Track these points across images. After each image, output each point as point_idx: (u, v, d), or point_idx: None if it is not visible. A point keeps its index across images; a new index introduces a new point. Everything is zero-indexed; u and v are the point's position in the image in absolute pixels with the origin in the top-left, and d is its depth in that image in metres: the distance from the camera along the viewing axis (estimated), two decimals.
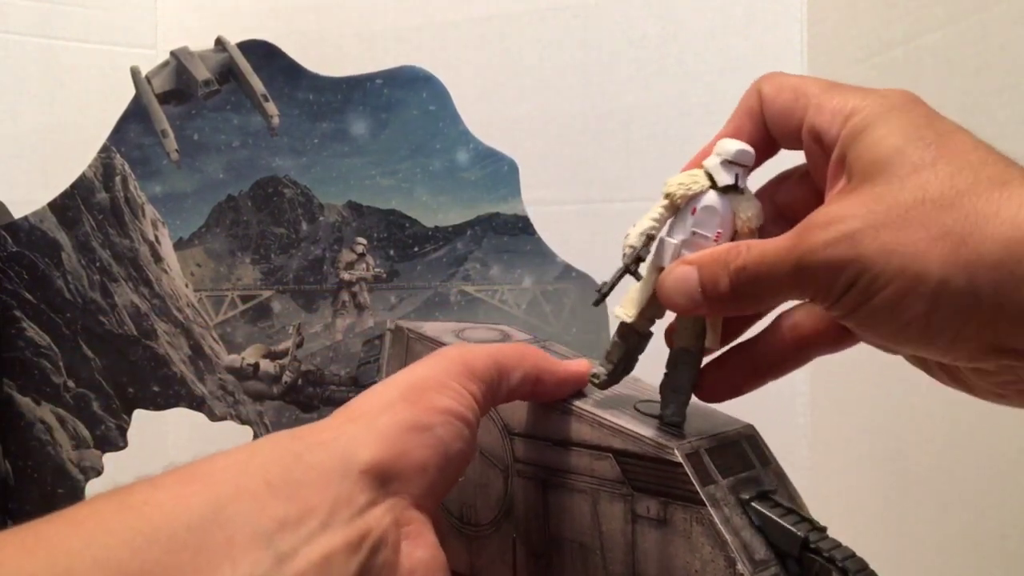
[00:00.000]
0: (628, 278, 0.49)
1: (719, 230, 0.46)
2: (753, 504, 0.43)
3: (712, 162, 0.46)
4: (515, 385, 0.47)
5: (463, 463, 0.43)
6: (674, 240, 0.46)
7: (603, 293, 0.50)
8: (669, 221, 0.47)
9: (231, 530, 0.33)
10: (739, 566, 0.40)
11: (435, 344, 0.61)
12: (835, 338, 0.44)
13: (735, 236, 0.46)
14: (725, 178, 0.46)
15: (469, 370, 0.44)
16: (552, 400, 0.49)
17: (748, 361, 0.47)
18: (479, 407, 0.44)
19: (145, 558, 0.31)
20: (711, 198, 0.45)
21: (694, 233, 0.46)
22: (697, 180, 0.46)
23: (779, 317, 0.47)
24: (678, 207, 0.46)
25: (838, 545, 0.41)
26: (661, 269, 0.46)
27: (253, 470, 0.36)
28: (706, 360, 0.48)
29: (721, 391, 0.47)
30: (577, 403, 0.49)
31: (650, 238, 0.47)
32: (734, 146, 0.45)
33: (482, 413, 0.44)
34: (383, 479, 0.38)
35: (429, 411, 0.41)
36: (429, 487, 0.40)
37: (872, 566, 0.41)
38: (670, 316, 0.49)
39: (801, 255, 0.38)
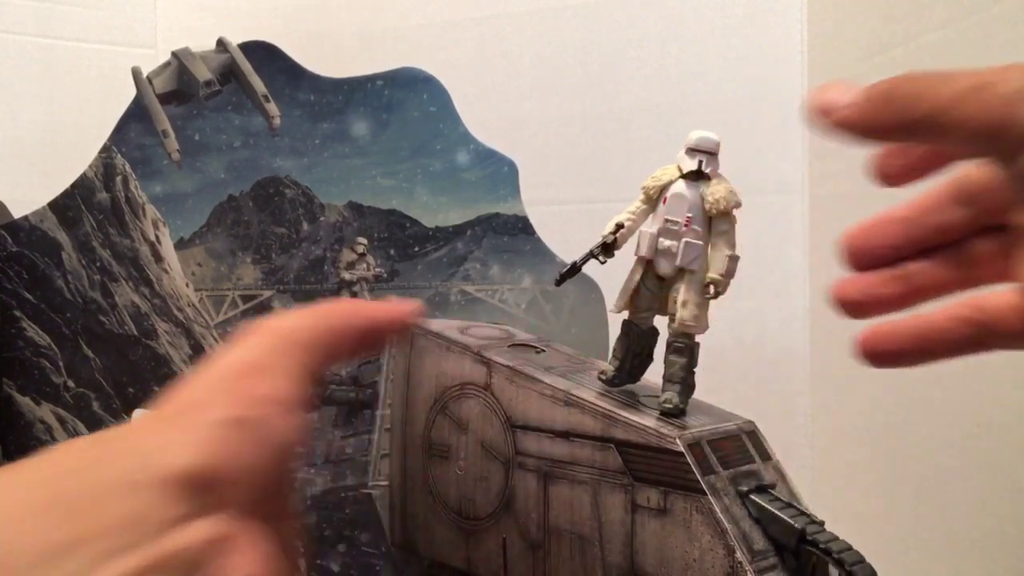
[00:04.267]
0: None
1: (688, 214, 0.47)
2: (752, 497, 0.43)
3: (680, 153, 0.48)
4: (339, 341, 0.42)
5: (294, 452, 0.38)
6: (650, 230, 0.48)
7: (562, 274, 0.52)
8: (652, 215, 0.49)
9: None
10: (738, 555, 0.40)
11: (440, 339, 0.62)
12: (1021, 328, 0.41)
13: (706, 219, 0.48)
14: (689, 164, 0.48)
15: (293, 341, 0.39)
16: (374, 343, 0.45)
17: (921, 331, 0.43)
18: (311, 377, 0.39)
19: None
20: (678, 186, 0.48)
21: (666, 220, 0.48)
22: (668, 171, 0.49)
23: (966, 299, 0.43)
24: (653, 199, 0.49)
25: (835, 538, 0.41)
26: (643, 259, 0.48)
27: (35, 484, 0.31)
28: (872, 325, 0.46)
29: (885, 357, 0.43)
30: (581, 394, 0.49)
31: (619, 226, 0.49)
32: (696, 134, 0.48)
33: (314, 380, 0.40)
34: (200, 488, 0.32)
35: (253, 402, 0.36)
36: (258, 490, 0.35)
37: (873, 564, 0.41)
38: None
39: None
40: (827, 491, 1.09)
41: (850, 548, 0.41)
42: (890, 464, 1.01)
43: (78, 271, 1.15)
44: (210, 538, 0.32)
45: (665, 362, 0.49)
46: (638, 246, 0.49)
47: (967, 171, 0.42)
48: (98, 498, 0.31)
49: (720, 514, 0.41)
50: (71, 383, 1.15)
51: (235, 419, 0.34)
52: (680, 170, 0.49)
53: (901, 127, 0.38)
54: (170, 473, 0.32)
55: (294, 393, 0.37)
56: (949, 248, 0.43)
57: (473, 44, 1.17)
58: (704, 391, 0.64)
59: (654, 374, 0.55)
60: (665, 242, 0.48)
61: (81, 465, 0.32)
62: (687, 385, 0.49)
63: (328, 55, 1.18)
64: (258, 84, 1.12)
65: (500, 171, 1.08)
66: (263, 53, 1.12)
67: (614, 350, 0.52)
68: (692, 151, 0.48)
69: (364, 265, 1.11)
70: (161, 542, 0.31)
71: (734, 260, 0.54)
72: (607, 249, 0.50)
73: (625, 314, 0.51)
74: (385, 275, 1.10)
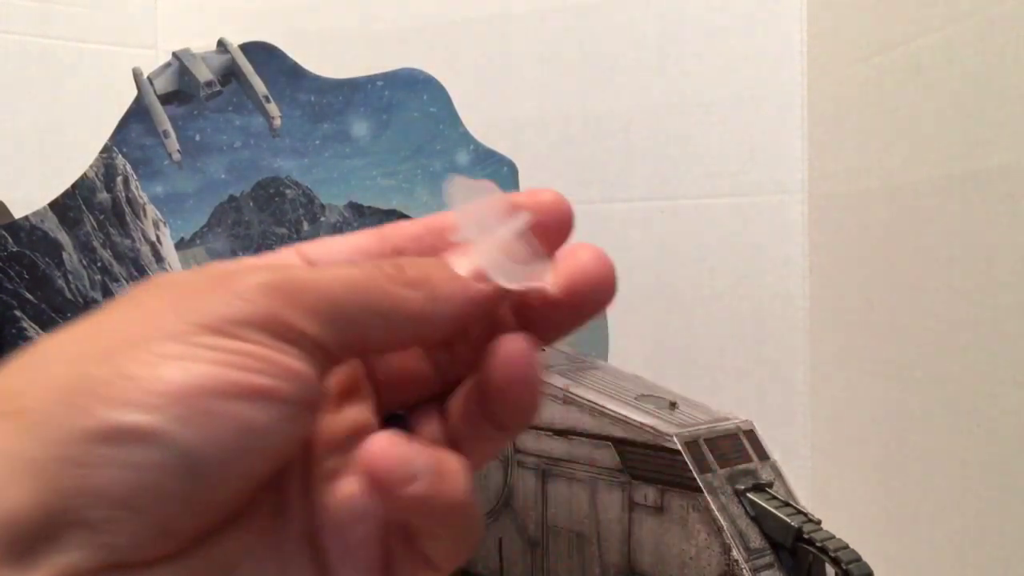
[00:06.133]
0: None
1: None
2: (748, 495, 0.43)
3: None
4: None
5: (259, 465, 0.24)
6: None
7: None
8: None
9: None
10: (734, 553, 0.40)
11: None
12: None
13: None
14: None
15: (286, 295, 0.25)
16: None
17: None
18: (322, 358, 0.25)
19: None
20: None
21: None
22: None
23: None
24: None
25: (831, 537, 0.41)
26: None
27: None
28: None
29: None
30: (579, 392, 0.49)
31: None
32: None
33: (335, 363, 0.26)
34: (37, 536, 0.21)
35: (151, 398, 0.22)
36: (147, 529, 0.22)
37: (872, 564, 0.41)
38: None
39: None
40: (827, 491, 1.09)
41: (846, 547, 0.41)
42: (890, 464, 1.01)
43: (79, 271, 1.15)
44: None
45: None
46: None
47: None
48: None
49: (716, 512, 0.41)
50: None
51: (114, 431, 0.21)
52: None
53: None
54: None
55: (264, 383, 0.23)
56: None
57: (473, 44, 1.17)
58: (704, 391, 0.64)
59: (649, 370, 0.55)
60: None
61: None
62: None
63: (328, 55, 1.18)
64: (259, 85, 1.12)
65: (500, 171, 1.08)
66: (263, 54, 1.12)
67: None
68: None
69: None
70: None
71: None
72: None
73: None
74: None
